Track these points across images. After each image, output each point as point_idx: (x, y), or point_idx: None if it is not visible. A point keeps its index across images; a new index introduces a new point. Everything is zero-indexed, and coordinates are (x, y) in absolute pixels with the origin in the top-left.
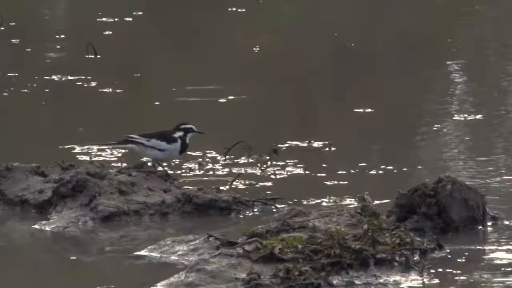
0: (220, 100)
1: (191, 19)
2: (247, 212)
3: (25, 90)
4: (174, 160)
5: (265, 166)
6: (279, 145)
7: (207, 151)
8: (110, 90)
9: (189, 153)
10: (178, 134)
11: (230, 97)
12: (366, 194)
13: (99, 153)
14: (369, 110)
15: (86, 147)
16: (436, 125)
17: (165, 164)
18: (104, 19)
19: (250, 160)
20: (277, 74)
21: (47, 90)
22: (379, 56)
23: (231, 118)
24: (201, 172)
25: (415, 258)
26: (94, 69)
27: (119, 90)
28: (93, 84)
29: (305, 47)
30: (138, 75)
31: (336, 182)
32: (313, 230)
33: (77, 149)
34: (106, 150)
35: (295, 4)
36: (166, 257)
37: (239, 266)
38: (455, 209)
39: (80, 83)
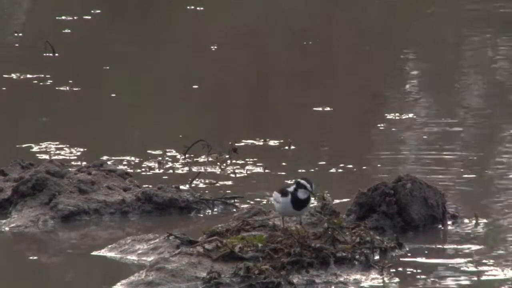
0: (178, 100)
1: (150, 17)
2: (207, 211)
3: None
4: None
5: (224, 164)
6: (238, 144)
7: (167, 150)
8: (67, 88)
9: (148, 151)
10: (292, 188)
11: (189, 96)
12: (325, 193)
13: (58, 151)
14: (328, 109)
15: (44, 145)
16: (395, 124)
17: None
18: (63, 17)
19: (210, 159)
20: (235, 72)
21: (4, 88)
22: (338, 55)
23: (190, 117)
24: (161, 170)
25: (375, 257)
26: (52, 67)
27: (76, 89)
28: (51, 82)
29: (264, 46)
30: (96, 73)
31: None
32: (273, 229)
33: (36, 147)
34: (65, 148)
35: (254, 1)
36: (126, 256)
37: (199, 265)
38: (415, 207)
39: (37, 82)
